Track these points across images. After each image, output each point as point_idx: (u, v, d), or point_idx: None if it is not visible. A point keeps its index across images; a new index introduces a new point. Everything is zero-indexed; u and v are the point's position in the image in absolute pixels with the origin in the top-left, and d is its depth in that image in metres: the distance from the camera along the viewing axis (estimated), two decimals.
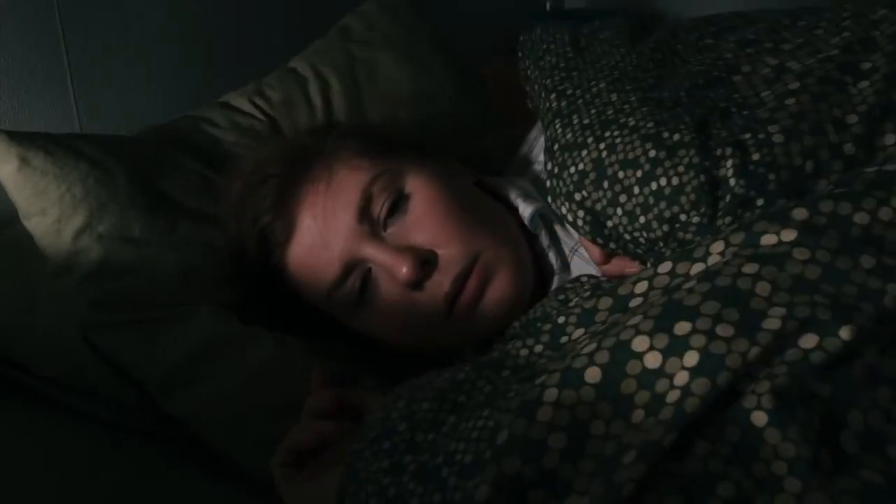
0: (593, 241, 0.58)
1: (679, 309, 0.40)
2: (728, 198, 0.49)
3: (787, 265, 0.41)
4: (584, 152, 0.56)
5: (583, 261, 0.66)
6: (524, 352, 0.49)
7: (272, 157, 0.68)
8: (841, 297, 0.39)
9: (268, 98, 0.80)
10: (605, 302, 0.46)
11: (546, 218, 0.68)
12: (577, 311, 0.47)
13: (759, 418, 0.37)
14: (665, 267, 0.45)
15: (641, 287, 0.45)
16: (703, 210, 0.50)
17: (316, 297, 0.65)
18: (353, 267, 0.63)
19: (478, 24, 1.28)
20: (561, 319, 0.48)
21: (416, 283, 0.61)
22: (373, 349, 0.69)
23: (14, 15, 0.81)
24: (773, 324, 0.39)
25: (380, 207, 0.63)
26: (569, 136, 0.58)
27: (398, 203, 0.64)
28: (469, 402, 0.46)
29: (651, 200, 0.52)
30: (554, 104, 0.62)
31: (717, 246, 0.43)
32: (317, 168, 0.65)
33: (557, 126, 0.60)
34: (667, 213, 0.51)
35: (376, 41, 0.86)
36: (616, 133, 0.55)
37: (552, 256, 0.68)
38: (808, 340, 0.39)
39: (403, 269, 0.60)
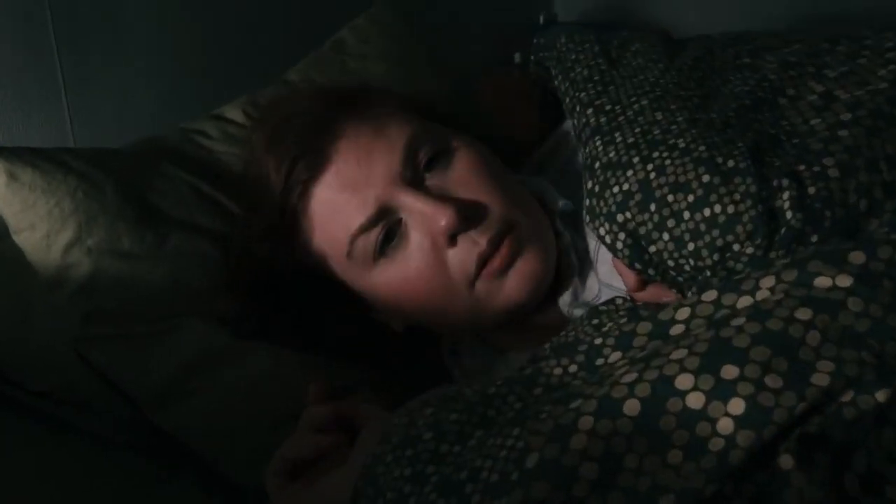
0: (630, 266, 0.55)
1: (727, 350, 0.39)
2: (783, 231, 0.47)
3: (840, 315, 0.39)
4: (630, 172, 0.53)
5: (605, 268, 0.64)
6: (558, 371, 0.47)
7: (312, 95, 0.67)
8: (885, 356, 0.38)
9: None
10: (644, 327, 0.45)
11: (569, 217, 0.68)
12: (616, 333, 0.46)
13: (787, 462, 0.37)
14: (710, 296, 0.43)
15: (683, 314, 0.43)
16: (758, 241, 0.48)
17: (333, 246, 0.63)
18: (387, 212, 0.61)
19: (471, 35, 1.28)
20: (598, 341, 0.46)
21: (453, 236, 0.60)
22: (367, 358, 0.68)
23: (7, 29, 0.81)
24: (821, 380, 0.38)
25: (423, 156, 0.62)
26: (612, 154, 0.55)
27: (442, 155, 0.63)
28: (498, 417, 0.46)
29: (703, 227, 0.49)
30: (592, 120, 0.60)
31: (768, 281, 0.42)
32: (361, 108, 0.64)
33: (598, 143, 0.57)
34: (719, 242, 0.49)
35: (370, 54, 0.87)
36: (665, 154, 0.53)
37: (573, 257, 0.66)
38: (846, 395, 0.38)
39: (445, 219, 0.58)
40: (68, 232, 0.64)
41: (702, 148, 0.51)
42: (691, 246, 0.50)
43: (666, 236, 0.51)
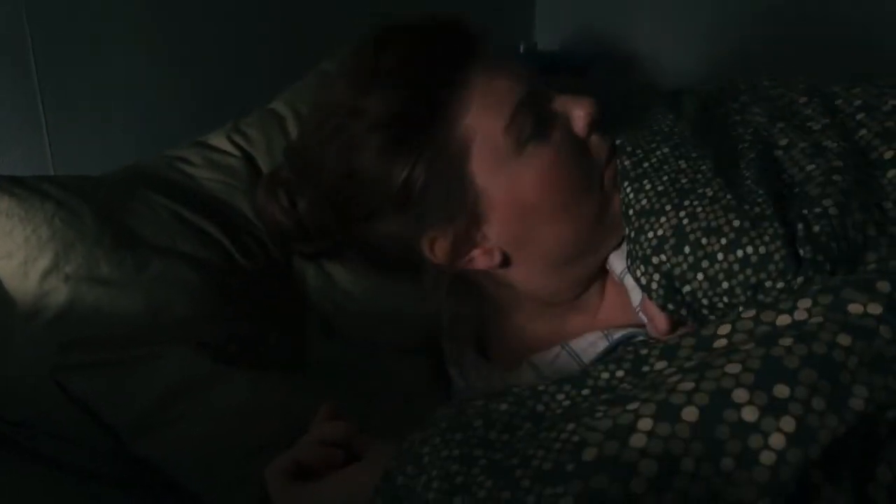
0: (663, 307, 0.60)
1: (779, 369, 0.42)
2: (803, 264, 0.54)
3: (874, 342, 0.43)
4: (663, 219, 0.59)
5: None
6: (605, 375, 0.50)
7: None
8: None
9: (246, 135, 0.81)
10: (689, 340, 0.48)
11: None
12: (660, 345, 0.49)
13: (816, 475, 0.40)
14: (749, 313, 0.47)
15: (724, 329, 0.47)
16: (788, 277, 0.53)
17: (488, 127, 0.61)
18: (537, 99, 0.63)
19: None
20: (643, 351, 0.50)
21: (593, 127, 0.64)
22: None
23: None
24: (857, 404, 0.41)
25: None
26: (643, 202, 0.61)
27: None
28: (547, 412, 0.49)
29: (736, 267, 0.55)
30: (615, 160, 0.65)
31: (805, 302, 0.45)
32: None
33: (628, 190, 0.62)
34: (752, 280, 0.54)
35: None
36: (696, 203, 0.58)
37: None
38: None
39: (591, 105, 0.63)
40: (45, 259, 0.64)
41: (729, 196, 0.57)
42: (725, 284, 0.55)
43: (700, 276, 0.56)
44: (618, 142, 0.67)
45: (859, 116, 0.61)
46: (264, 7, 1.12)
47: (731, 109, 0.68)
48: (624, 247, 0.68)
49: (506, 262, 0.66)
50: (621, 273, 0.66)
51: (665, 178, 0.61)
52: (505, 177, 0.62)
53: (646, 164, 0.63)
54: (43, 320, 0.64)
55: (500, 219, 0.64)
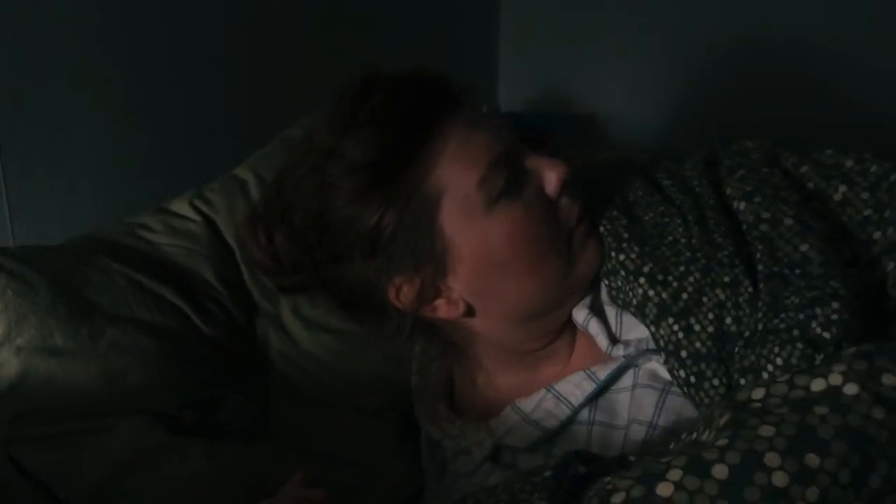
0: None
1: (812, 439, 0.43)
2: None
3: None
4: (723, 366, 0.60)
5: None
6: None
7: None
8: None
9: (207, 200, 0.81)
10: (723, 405, 0.49)
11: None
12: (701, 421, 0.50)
13: None
14: (784, 377, 0.47)
15: (758, 394, 0.47)
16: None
17: (459, 181, 0.62)
18: (511, 156, 0.63)
19: None
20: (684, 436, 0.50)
21: (564, 189, 0.65)
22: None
23: None
24: (875, 481, 0.42)
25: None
26: (697, 344, 0.61)
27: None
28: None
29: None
30: (651, 292, 0.64)
31: (840, 366, 0.46)
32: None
33: (675, 328, 0.62)
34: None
35: None
36: (745, 350, 0.59)
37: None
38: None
39: (563, 169, 0.64)
40: None
41: (774, 316, 0.58)
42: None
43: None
44: (646, 270, 0.65)
45: (835, 198, 0.65)
46: (229, 74, 1.14)
47: (708, 196, 0.69)
48: (585, 301, 0.68)
49: (470, 312, 0.66)
50: (584, 321, 0.67)
51: (711, 315, 0.61)
52: (474, 231, 0.62)
53: (685, 297, 0.63)
54: None
55: (466, 271, 0.64)
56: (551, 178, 0.64)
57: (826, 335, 0.55)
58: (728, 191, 0.68)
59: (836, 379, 0.45)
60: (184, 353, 0.69)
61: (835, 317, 0.55)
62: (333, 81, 0.65)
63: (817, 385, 0.46)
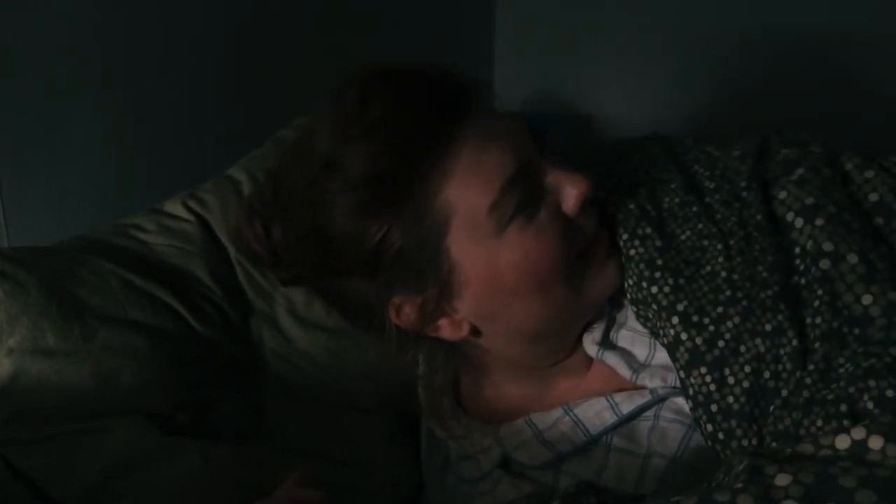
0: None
1: (833, 486, 0.39)
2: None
3: None
4: (758, 424, 0.57)
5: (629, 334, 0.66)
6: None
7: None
8: None
9: (201, 200, 0.80)
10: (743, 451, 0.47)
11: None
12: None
13: None
14: (809, 439, 0.45)
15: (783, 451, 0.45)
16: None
17: (470, 202, 0.58)
18: (527, 173, 0.59)
19: None
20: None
21: (584, 206, 0.61)
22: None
23: None
24: None
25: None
26: (730, 400, 0.57)
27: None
28: None
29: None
30: (683, 335, 0.60)
31: (864, 421, 0.44)
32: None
33: (707, 379, 0.58)
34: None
35: None
36: (785, 413, 0.55)
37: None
38: None
39: (585, 183, 0.60)
40: None
41: (823, 386, 0.53)
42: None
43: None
44: (679, 308, 0.60)
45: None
46: (229, 74, 1.14)
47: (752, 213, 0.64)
48: (597, 331, 0.66)
49: (475, 332, 0.64)
50: (598, 355, 0.65)
51: (748, 368, 0.57)
52: (483, 255, 0.59)
53: (721, 344, 0.59)
54: None
55: (472, 294, 0.61)
56: (571, 196, 0.60)
57: (877, 411, 0.49)
58: (783, 195, 0.61)
59: (859, 433, 0.42)
60: (178, 353, 0.69)
61: (890, 392, 0.49)
62: (333, 81, 0.63)
63: (842, 443, 0.43)
